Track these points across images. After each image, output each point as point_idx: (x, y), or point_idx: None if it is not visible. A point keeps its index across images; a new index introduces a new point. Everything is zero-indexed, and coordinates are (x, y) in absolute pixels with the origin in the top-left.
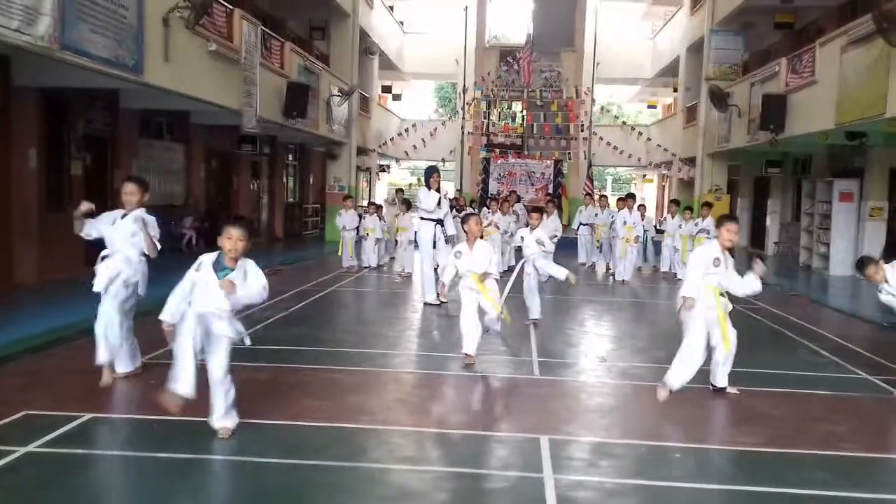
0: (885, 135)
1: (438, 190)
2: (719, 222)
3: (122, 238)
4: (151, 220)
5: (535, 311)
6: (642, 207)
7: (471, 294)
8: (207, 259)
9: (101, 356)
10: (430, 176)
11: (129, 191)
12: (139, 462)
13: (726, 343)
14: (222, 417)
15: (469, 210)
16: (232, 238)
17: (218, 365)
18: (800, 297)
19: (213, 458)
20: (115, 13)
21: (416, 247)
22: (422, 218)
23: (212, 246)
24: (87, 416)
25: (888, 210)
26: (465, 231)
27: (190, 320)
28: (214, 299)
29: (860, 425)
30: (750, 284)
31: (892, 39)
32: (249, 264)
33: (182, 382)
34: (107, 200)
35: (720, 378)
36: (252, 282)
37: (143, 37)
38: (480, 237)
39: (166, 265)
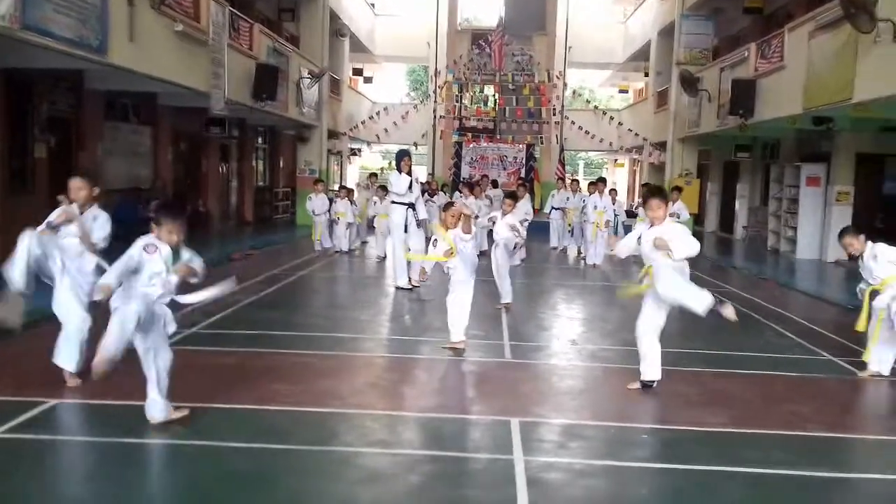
0: (851, 120)
1: (410, 173)
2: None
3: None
4: (103, 217)
5: (506, 296)
6: (613, 192)
7: (457, 282)
8: (161, 245)
9: (73, 365)
10: (402, 160)
11: (77, 186)
12: (105, 448)
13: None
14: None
15: (443, 194)
16: (174, 232)
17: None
18: (767, 281)
19: (181, 442)
20: None
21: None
22: (393, 202)
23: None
24: (52, 401)
25: (854, 194)
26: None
27: (137, 300)
28: (167, 284)
29: (824, 406)
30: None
31: (860, 25)
32: (186, 250)
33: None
34: None
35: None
36: (196, 262)
37: (107, 16)
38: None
39: None
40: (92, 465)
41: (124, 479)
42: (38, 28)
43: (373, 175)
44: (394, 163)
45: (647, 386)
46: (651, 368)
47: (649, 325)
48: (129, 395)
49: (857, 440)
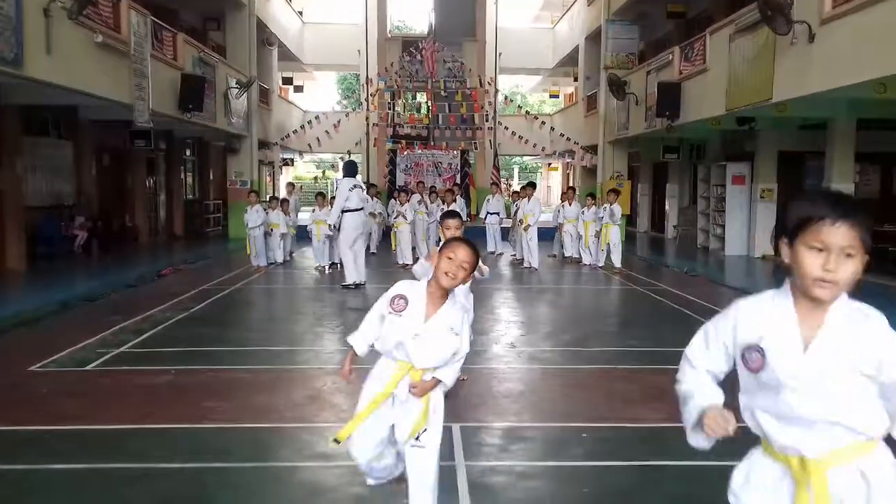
0: (772, 119)
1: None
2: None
3: None
4: None
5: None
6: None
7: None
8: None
9: None
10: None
11: None
12: (33, 476)
13: None
14: None
15: (378, 201)
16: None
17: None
18: (698, 277)
19: (113, 466)
20: None
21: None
22: (346, 210)
23: (107, 247)
24: None
25: (777, 191)
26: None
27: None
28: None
29: None
30: None
31: (777, 27)
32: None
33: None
34: None
35: None
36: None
37: (22, 29)
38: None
39: (59, 267)
40: (18, 495)
41: None
42: None
43: (290, 184)
44: (330, 171)
45: None
46: None
47: None
48: (59, 419)
49: None
